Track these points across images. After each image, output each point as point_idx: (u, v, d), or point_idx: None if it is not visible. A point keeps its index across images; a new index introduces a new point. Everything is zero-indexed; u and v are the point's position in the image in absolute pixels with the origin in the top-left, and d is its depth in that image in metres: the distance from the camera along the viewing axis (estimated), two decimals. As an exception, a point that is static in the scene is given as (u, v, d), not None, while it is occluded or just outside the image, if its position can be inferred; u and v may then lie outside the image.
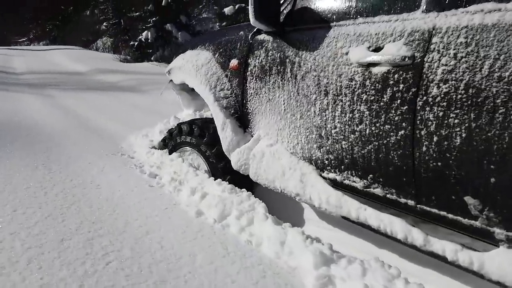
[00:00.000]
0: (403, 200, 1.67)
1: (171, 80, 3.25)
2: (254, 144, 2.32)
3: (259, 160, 2.26)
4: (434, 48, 1.45)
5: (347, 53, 1.76)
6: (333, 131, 1.86)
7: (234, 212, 1.92)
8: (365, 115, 1.70)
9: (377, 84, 1.64)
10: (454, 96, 1.39)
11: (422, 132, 1.50)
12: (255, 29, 2.32)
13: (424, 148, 1.51)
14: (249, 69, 2.30)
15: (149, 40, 18.79)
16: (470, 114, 1.35)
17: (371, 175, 1.75)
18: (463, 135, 1.38)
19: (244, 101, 2.37)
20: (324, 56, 1.87)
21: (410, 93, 1.52)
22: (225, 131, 2.41)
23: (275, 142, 2.22)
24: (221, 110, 2.42)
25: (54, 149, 3.17)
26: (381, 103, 1.63)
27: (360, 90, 1.71)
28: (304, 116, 2.00)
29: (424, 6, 1.54)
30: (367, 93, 1.68)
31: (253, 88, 2.29)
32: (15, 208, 1.96)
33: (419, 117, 1.51)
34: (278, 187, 2.17)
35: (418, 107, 1.50)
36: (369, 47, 1.67)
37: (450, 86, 1.39)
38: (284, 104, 2.11)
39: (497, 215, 1.36)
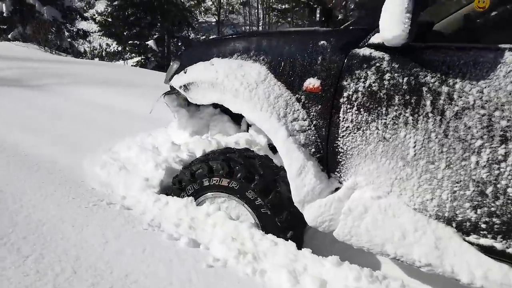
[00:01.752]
0: None
1: (166, 93, 2.37)
2: (349, 195, 1.74)
3: (357, 216, 1.70)
4: None
5: (548, 89, 1.32)
6: (509, 189, 1.42)
7: (396, 315, 1.34)
8: None
9: None
10: None
11: None
12: (345, 40, 1.71)
13: None
14: (345, 94, 1.68)
15: (4, 14, 15.96)
16: None
17: None
18: None
19: (332, 137, 1.75)
20: (500, 90, 1.39)
21: None
22: (304, 177, 1.76)
23: (387, 194, 1.68)
24: (298, 149, 1.76)
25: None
26: None
27: None
28: (455, 166, 1.50)
29: None
30: None
31: (350, 121, 1.69)
32: None
33: None
34: (391, 253, 1.65)
35: None
36: None
37: None
38: (414, 147, 1.57)
39: None
